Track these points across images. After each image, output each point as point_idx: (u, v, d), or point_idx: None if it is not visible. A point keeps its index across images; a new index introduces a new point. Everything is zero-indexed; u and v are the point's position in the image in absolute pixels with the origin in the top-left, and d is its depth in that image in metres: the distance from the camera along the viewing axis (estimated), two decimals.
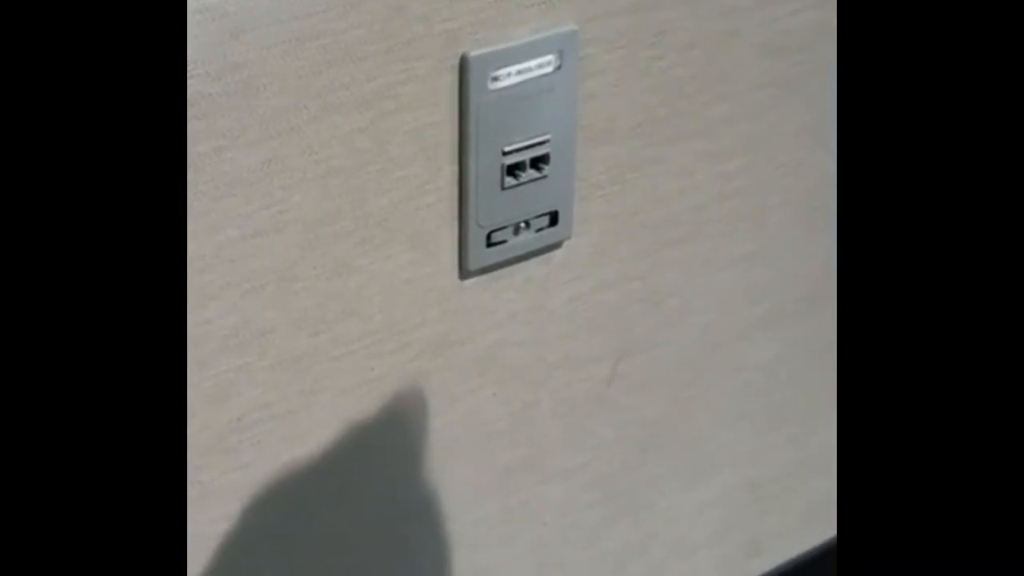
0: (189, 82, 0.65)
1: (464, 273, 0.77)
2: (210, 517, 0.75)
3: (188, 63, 0.65)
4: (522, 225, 0.78)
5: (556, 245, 0.80)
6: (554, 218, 0.79)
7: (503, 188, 0.76)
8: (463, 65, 0.72)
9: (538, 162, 0.76)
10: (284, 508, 0.77)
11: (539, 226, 0.78)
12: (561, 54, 0.75)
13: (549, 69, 0.75)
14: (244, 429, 0.73)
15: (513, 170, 0.76)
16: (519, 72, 0.74)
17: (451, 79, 0.72)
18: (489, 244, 0.77)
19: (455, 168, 0.74)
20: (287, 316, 0.72)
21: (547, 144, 0.76)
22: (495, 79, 0.73)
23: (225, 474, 0.74)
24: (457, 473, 0.83)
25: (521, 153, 0.75)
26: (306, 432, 0.76)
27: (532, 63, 0.74)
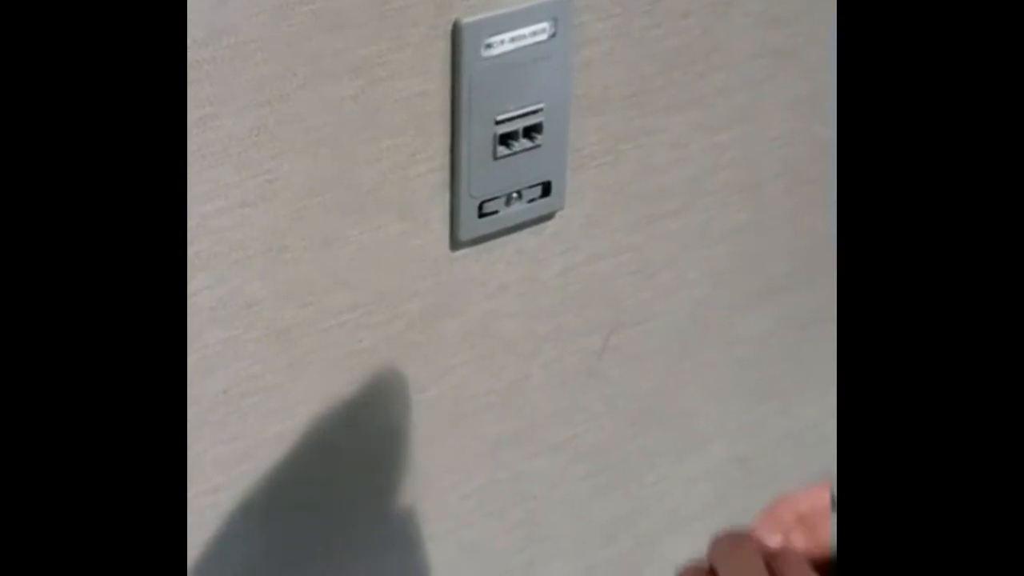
0: None
1: (455, 244, 0.76)
2: (197, 490, 0.74)
3: None
4: (514, 195, 0.77)
5: (548, 216, 0.79)
6: (547, 188, 0.78)
7: (495, 158, 0.75)
8: (456, 32, 0.71)
9: (531, 131, 0.75)
10: (271, 481, 0.76)
11: (531, 196, 0.77)
12: (555, 21, 0.73)
13: (543, 37, 0.73)
14: (231, 401, 0.73)
15: (506, 139, 0.75)
16: (512, 40, 0.73)
17: (443, 46, 0.71)
18: (481, 215, 0.76)
19: (447, 137, 0.73)
20: (275, 287, 0.72)
21: (540, 113, 0.75)
22: (488, 46, 0.72)
23: (212, 447, 0.73)
24: (447, 446, 0.82)
25: (514, 122, 0.74)
26: (294, 404, 0.75)
27: (526, 30, 0.73)
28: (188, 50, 0.64)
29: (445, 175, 0.74)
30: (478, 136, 0.74)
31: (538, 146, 0.76)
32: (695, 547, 0.68)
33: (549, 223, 0.79)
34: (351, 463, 0.79)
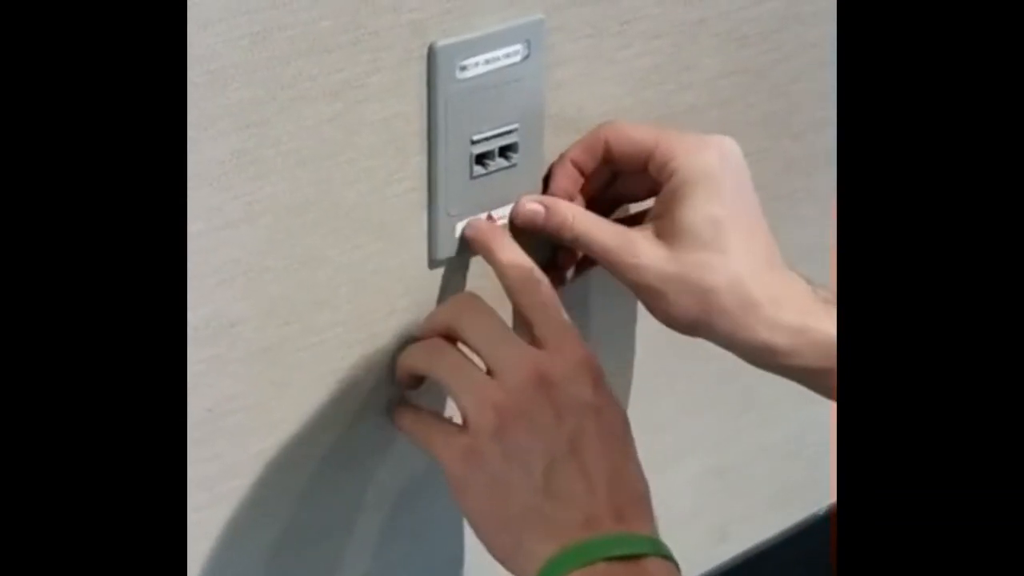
0: None
1: (433, 262, 0.77)
2: None
3: None
4: (492, 214, 0.78)
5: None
6: None
7: (472, 177, 0.76)
8: (431, 55, 0.72)
9: (506, 151, 0.76)
10: (255, 499, 0.77)
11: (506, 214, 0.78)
12: (528, 44, 0.75)
13: (517, 59, 0.75)
14: (215, 420, 0.73)
15: (482, 159, 0.76)
16: (487, 62, 0.74)
17: (419, 69, 0.72)
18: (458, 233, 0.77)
19: (424, 158, 0.74)
20: (257, 307, 0.72)
21: (515, 133, 0.76)
22: (463, 69, 0.73)
23: (196, 465, 0.74)
24: (431, 463, 0.83)
25: (489, 142, 0.76)
26: (277, 422, 0.76)
27: (499, 52, 0.74)
28: None
29: (422, 194, 0.75)
30: (454, 156, 0.75)
31: (514, 165, 0.77)
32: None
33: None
34: (334, 481, 0.79)
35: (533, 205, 0.77)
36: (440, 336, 0.73)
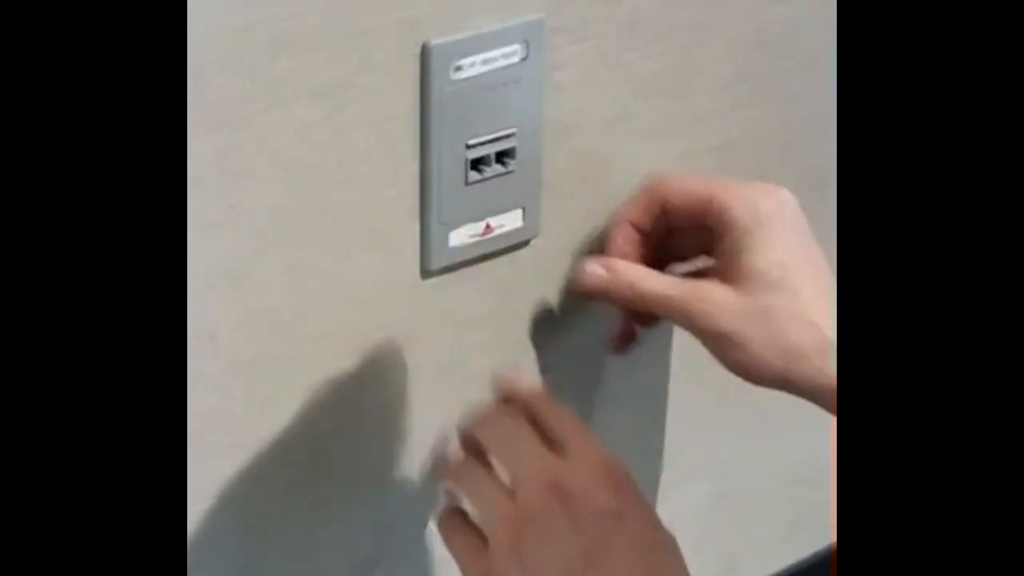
0: None
1: (426, 272, 0.76)
2: None
3: None
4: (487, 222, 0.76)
5: (522, 244, 0.78)
6: (520, 215, 0.77)
7: (467, 183, 0.74)
8: (425, 54, 0.70)
9: (503, 156, 0.75)
10: (238, 514, 0.75)
11: (504, 223, 0.77)
12: (527, 44, 0.73)
13: (515, 59, 0.73)
14: (194, 435, 0.71)
15: (477, 165, 0.74)
16: (484, 62, 0.72)
17: (412, 69, 0.71)
18: (452, 242, 0.75)
19: (416, 162, 0.73)
20: (239, 317, 0.71)
21: (513, 138, 0.74)
22: (458, 69, 0.71)
23: None
24: (419, 481, 0.81)
25: (486, 147, 0.74)
26: (261, 437, 0.74)
27: (497, 53, 0.72)
28: None
29: (415, 201, 0.74)
30: (449, 161, 0.73)
31: (511, 171, 0.75)
32: None
33: (523, 251, 0.79)
34: (320, 496, 0.78)
35: (596, 269, 0.76)
36: (471, 450, 0.72)
